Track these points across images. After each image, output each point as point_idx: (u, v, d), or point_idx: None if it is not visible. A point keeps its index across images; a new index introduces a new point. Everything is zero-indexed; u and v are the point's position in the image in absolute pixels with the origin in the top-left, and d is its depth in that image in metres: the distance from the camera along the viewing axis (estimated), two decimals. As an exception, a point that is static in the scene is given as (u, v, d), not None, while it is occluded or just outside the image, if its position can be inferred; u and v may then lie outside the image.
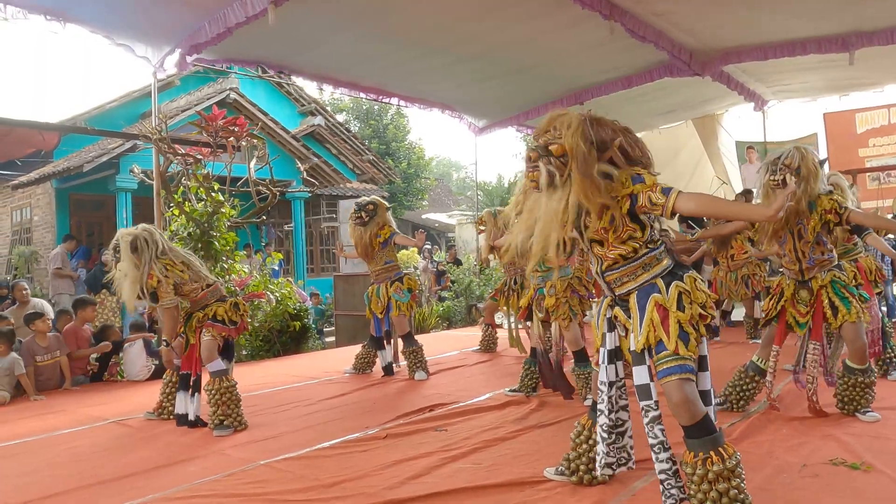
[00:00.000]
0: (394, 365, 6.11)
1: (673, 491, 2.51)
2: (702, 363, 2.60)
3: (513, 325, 7.09)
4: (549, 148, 2.54)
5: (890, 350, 5.03)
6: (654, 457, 2.54)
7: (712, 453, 2.43)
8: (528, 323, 4.96)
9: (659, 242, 2.61)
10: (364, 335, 6.31)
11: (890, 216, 9.38)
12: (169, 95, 14.13)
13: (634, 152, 2.58)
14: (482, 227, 6.24)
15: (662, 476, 2.52)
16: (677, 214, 2.46)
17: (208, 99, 12.82)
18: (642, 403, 2.56)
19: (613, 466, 2.82)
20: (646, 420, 2.56)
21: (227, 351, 4.46)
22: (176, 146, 7.55)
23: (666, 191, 2.43)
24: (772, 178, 3.80)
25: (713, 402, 2.62)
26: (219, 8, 5.99)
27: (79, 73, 70.00)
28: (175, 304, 4.40)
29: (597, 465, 2.81)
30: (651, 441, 2.54)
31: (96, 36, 6.76)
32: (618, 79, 8.71)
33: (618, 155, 2.54)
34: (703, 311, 2.53)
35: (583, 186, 2.46)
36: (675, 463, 2.54)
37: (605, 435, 2.76)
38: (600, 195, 2.48)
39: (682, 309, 2.51)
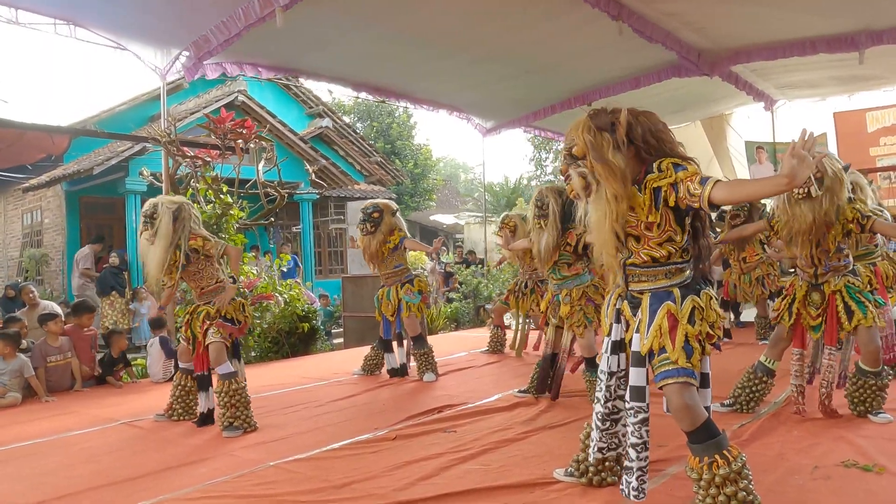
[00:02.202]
0: (407, 366, 6.10)
1: (645, 486, 2.56)
2: (703, 380, 2.59)
3: (519, 328, 7.13)
4: (573, 153, 2.61)
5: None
6: (635, 454, 2.55)
7: (717, 457, 2.43)
8: (543, 329, 4.96)
9: (689, 255, 2.58)
10: (372, 337, 6.32)
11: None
12: (177, 98, 14.20)
13: (658, 134, 2.56)
14: (506, 231, 6.28)
15: (639, 472, 2.55)
16: (718, 207, 2.38)
17: (216, 101, 12.88)
18: (633, 404, 2.57)
19: (604, 451, 2.84)
20: (634, 420, 2.56)
21: (233, 350, 4.47)
22: (185, 149, 7.58)
23: (703, 181, 2.36)
24: (795, 191, 3.73)
25: (708, 415, 2.61)
26: (227, 11, 6.02)
27: (88, 76, 70.43)
28: (224, 245, 4.43)
29: (590, 450, 2.85)
30: (635, 440, 2.56)
31: (105, 40, 6.82)
32: (625, 79, 8.71)
33: (638, 134, 2.52)
34: (710, 331, 2.52)
35: (602, 172, 2.49)
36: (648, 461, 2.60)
37: (600, 422, 2.79)
38: (616, 179, 2.48)
39: (693, 323, 2.50)
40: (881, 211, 4.33)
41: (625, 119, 2.53)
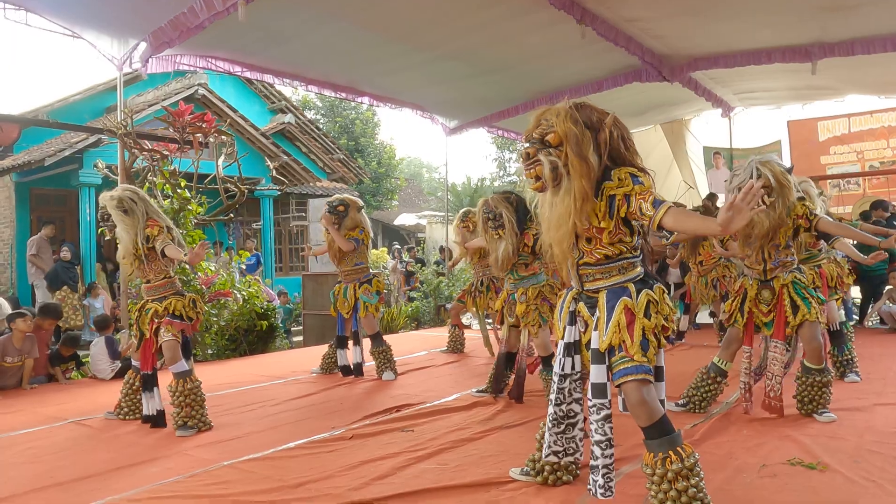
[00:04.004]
0: (361, 365, 6.05)
1: (612, 483, 2.58)
2: (658, 374, 2.63)
3: (481, 327, 7.14)
4: (546, 139, 2.55)
5: (847, 352, 5.18)
6: (599, 451, 2.57)
7: (671, 453, 2.48)
8: (499, 326, 4.98)
9: (639, 251, 2.66)
10: (332, 335, 6.26)
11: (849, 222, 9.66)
12: (136, 90, 13.86)
13: (627, 142, 2.59)
14: (469, 225, 6.32)
15: (605, 470, 2.57)
16: (662, 229, 2.47)
17: (176, 94, 12.62)
18: (595, 401, 2.59)
19: (560, 455, 2.86)
20: (597, 417, 2.59)
21: (184, 348, 4.35)
22: (142, 141, 7.41)
23: (657, 203, 2.42)
24: None
25: (665, 411, 2.67)
26: (188, 2, 5.89)
27: (41, 64, 68.24)
28: (166, 246, 4.23)
29: (543, 452, 2.85)
30: (599, 438, 2.58)
31: (59, 27, 6.61)
32: (589, 82, 8.80)
33: (615, 139, 2.54)
34: (665, 323, 2.58)
35: (580, 169, 2.48)
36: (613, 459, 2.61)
37: (552, 424, 2.81)
38: (589, 179, 2.49)
39: (649, 317, 2.55)
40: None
41: (611, 122, 2.54)
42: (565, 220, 2.53)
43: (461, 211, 6.87)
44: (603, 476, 2.56)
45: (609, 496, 2.56)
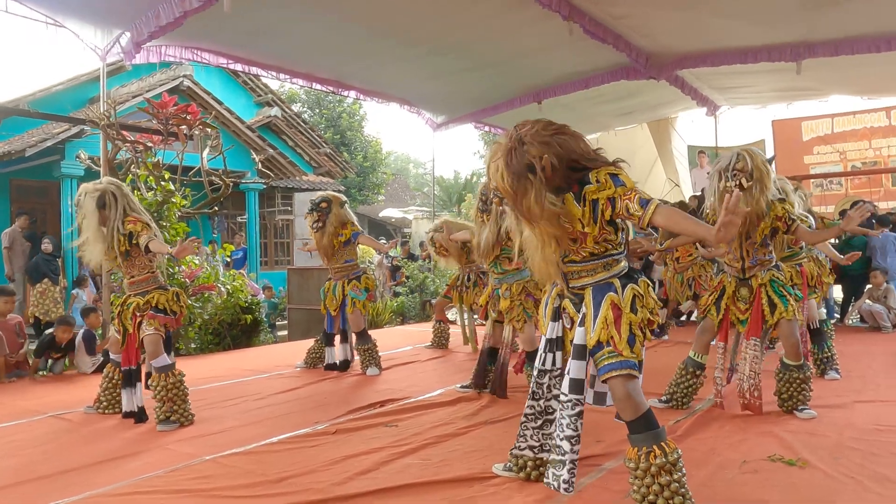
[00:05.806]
0: (349, 362, 6.02)
1: (574, 479, 2.63)
2: (638, 367, 2.65)
3: (465, 322, 7.14)
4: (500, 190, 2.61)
5: (827, 350, 5.24)
6: (569, 447, 2.62)
7: (655, 447, 2.50)
8: (483, 321, 4.98)
9: (623, 246, 2.67)
10: (318, 330, 6.24)
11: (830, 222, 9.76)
12: (119, 80, 13.70)
13: (582, 146, 2.55)
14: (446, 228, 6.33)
15: (570, 465, 2.61)
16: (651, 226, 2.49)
17: (161, 85, 12.49)
18: (572, 396, 2.62)
19: (536, 450, 2.89)
20: (570, 412, 2.62)
21: (166, 342, 4.31)
22: (125, 133, 7.32)
23: (643, 203, 2.42)
24: (727, 184, 3.90)
25: (649, 405, 2.69)
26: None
27: (22, 52, 67.23)
28: (149, 240, 4.16)
29: (518, 445, 2.88)
30: (570, 433, 2.61)
31: (41, 15, 6.51)
32: (576, 79, 8.81)
33: (560, 154, 2.47)
34: (650, 317, 2.61)
35: (529, 219, 2.50)
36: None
37: (529, 418, 2.83)
38: (550, 221, 2.47)
39: (635, 311, 2.57)
40: (806, 217, 4.56)
41: (548, 163, 2.44)
42: (536, 253, 2.58)
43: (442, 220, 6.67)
44: (568, 471, 2.60)
45: (571, 492, 2.62)
